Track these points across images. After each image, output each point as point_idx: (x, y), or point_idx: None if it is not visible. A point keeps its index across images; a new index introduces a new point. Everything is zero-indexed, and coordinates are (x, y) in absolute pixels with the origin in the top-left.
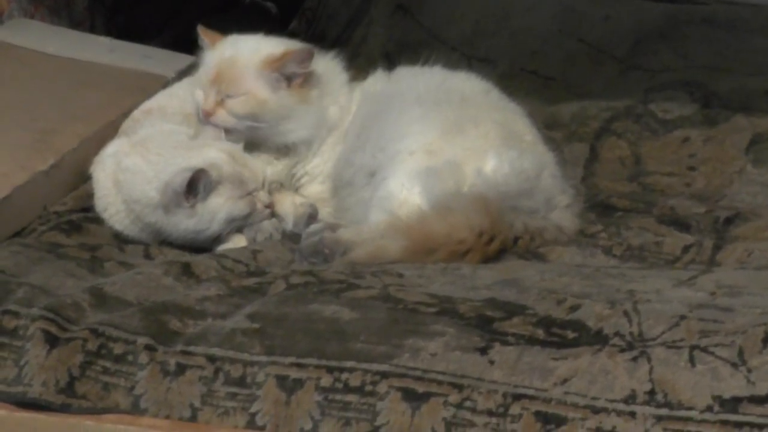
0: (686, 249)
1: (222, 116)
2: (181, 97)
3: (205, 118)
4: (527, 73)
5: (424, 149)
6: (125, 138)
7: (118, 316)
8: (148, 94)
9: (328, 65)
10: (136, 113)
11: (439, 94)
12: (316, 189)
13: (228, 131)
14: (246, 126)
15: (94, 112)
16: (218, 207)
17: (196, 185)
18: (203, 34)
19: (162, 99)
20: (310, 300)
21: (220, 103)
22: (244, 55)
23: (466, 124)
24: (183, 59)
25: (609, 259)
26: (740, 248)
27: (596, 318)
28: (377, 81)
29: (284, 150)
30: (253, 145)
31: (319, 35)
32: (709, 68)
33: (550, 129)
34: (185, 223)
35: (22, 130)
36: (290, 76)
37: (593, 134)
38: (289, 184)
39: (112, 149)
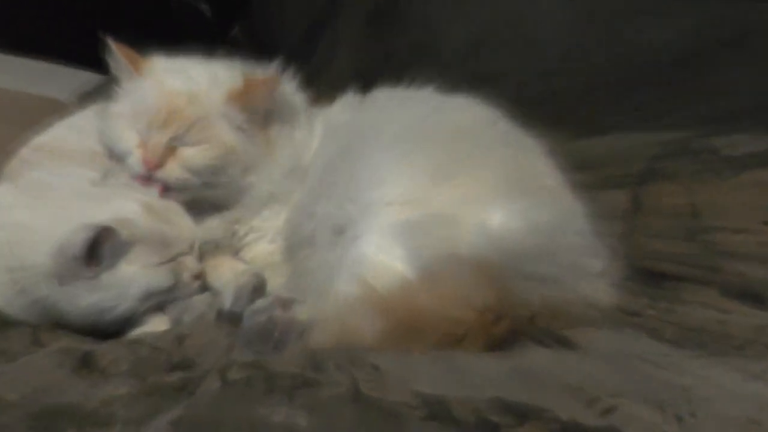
0: (760, 330)
1: (173, 170)
2: (84, 130)
3: (146, 170)
4: (547, 97)
5: (407, 198)
6: (7, 184)
7: None
8: (39, 124)
9: (282, 89)
10: (22, 151)
11: (428, 126)
12: (263, 249)
13: (171, 189)
14: (202, 182)
15: None
16: (130, 277)
17: (99, 248)
18: (120, 52)
19: (58, 132)
20: (255, 401)
21: (171, 152)
22: (200, 88)
23: (464, 164)
24: (85, 78)
25: (657, 345)
26: None
27: (638, 424)
28: (346, 108)
29: (227, 202)
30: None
31: (269, 46)
32: None
33: (578, 171)
34: (86, 298)
35: None
36: (254, 111)
37: (636, 178)
38: (227, 243)
39: None
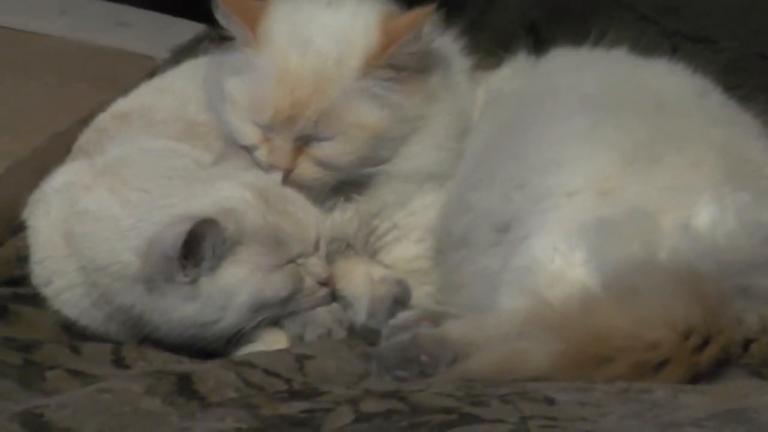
0: None
1: (308, 171)
2: (180, 93)
3: (279, 175)
4: (760, 62)
5: (593, 188)
6: (85, 161)
7: None
8: (124, 86)
9: (438, 41)
10: (103, 120)
11: (622, 95)
12: (408, 252)
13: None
14: (345, 175)
15: (31, 116)
16: (237, 283)
17: (199, 246)
18: (231, 7)
19: (148, 96)
20: None
21: (301, 150)
22: (328, 61)
23: (664, 147)
24: (181, 28)
25: None
26: None
27: None
28: (516, 72)
29: (368, 188)
30: None
31: None
32: None
33: None
34: (181, 308)
35: None
36: (405, 62)
37: None
38: (362, 242)
39: (63, 180)
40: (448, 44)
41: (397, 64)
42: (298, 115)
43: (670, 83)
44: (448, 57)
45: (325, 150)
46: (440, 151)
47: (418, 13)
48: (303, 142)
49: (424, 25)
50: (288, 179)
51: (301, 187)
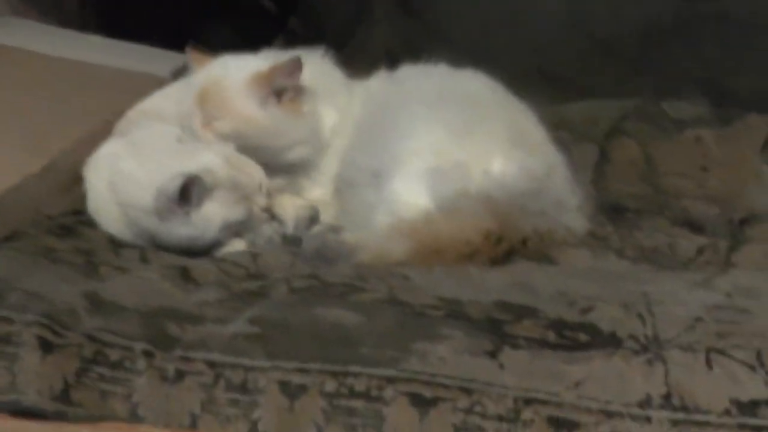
0: (700, 251)
1: (209, 139)
2: (175, 98)
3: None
4: (535, 72)
5: (430, 149)
6: (120, 138)
7: (114, 322)
8: (142, 94)
9: (319, 68)
10: (130, 113)
11: (444, 93)
12: (317, 192)
13: None
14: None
15: (87, 112)
16: (213, 213)
17: (189, 192)
18: (192, 56)
19: (157, 100)
20: (314, 304)
21: (207, 125)
22: (230, 74)
23: (472, 123)
24: (178, 58)
25: (621, 262)
26: (757, 250)
27: (609, 320)
28: (380, 80)
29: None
30: None
31: (319, 34)
32: (723, 66)
33: (558, 129)
34: (180, 230)
35: (13, 132)
36: (280, 91)
37: (603, 135)
38: (289, 190)
39: (107, 150)
40: (326, 67)
41: (274, 88)
42: (204, 102)
43: (474, 84)
44: (325, 79)
45: (217, 124)
46: (306, 146)
47: (293, 60)
48: (208, 119)
49: (294, 68)
50: None
51: None
